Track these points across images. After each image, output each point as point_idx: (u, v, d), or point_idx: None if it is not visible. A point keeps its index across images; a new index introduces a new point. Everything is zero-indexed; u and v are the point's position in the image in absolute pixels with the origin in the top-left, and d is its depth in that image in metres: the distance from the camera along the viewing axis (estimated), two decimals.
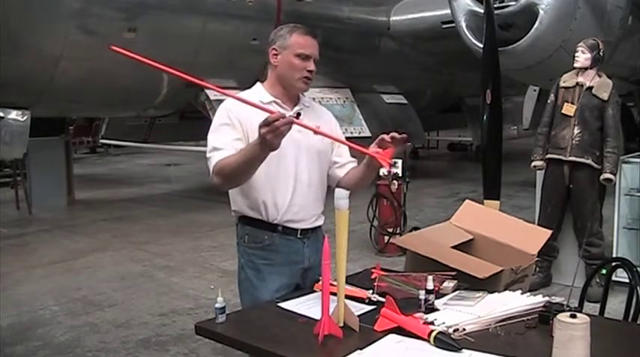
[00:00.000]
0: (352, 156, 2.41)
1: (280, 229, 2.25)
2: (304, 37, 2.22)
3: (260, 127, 1.89)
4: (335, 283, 1.88)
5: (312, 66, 2.22)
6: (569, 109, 4.46)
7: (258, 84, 2.32)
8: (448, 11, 7.38)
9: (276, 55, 2.23)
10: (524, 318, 1.89)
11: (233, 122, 2.17)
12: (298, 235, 2.28)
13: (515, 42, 6.31)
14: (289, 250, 2.28)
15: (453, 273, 2.18)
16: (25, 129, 6.72)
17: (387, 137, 2.06)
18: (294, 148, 2.18)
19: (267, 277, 2.26)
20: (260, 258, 2.28)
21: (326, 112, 2.45)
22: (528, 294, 2.04)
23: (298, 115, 2.24)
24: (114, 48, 2.00)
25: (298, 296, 2.15)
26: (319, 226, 2.35)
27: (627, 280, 2.36)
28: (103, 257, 6.05)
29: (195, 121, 8.85)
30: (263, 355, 1.77)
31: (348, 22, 9.50)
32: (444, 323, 1.80)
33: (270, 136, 1.88)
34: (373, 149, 2.09)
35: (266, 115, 1.93)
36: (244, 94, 2.27)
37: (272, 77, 2.28)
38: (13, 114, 6.62)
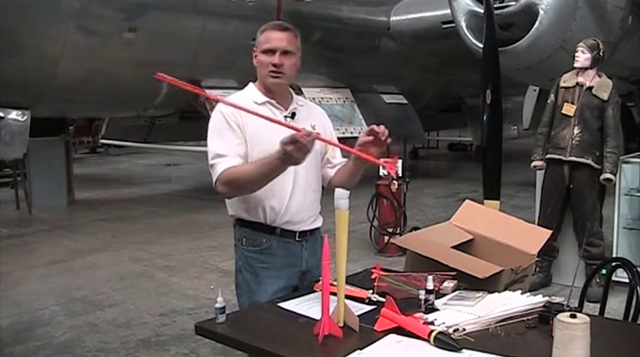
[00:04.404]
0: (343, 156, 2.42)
1: (279, 231, 2.24)
2: (271, 32, 2.21)
3: (285, 143, 1.90)
4: (335, 283, 1.88)
5: (275, 59, 2.18)
6: (569, 109, 4.46)
7: (251, 84, 2.32)
8: (448, 11, 7.38)
9: (255, 55, 2.25)
10: (524, 318, 1.88)
11: (232, 126, 2.16)
12: (297, 238, 2.28)
13: (515, 42, 6.30)
14: (287, 253, 2.27)
15: (453, 273, 2.18)
16: (25, 129, 6.72)
17: (377, 128, 2.06)
18: None
19: (264, 280, 2.25)
20: (258, 261, 2.26)
21: (319, 111, 2.44)
22: (528, 294, 2.03)
23: (293, 115, 2.26)
24: (159, 75, 2.01)
25: (298, 296, 2.14)
26: (317, 228, 2.35)
27: (627, 280, 2.36)
28: (103, 257, 6.05)
29: (195, 121, 8.85)
30: (263, 355, 1.77)
31: (348, 22, 9.49)
32: (444, 323, 1.80)
33: (297, 153, 1.91)
34: (377, 157, 2.11)
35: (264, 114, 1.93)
36: (238, 96, 2.27)
37: (258, 78, 2.29)
38: (13, 114, 6.62)
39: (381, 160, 2.10)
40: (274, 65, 2.18)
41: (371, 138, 2.09)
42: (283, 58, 2.18)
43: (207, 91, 2.16)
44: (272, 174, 2.06)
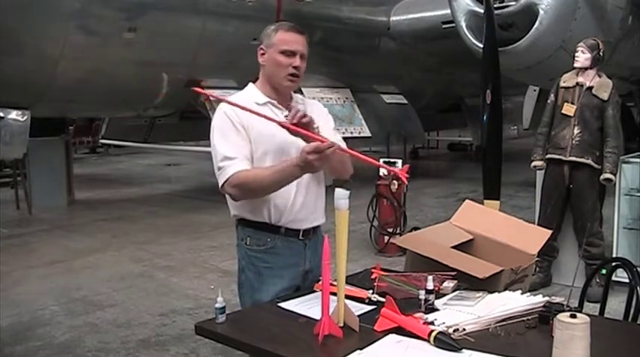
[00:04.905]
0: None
1: (283, 230, 2.25)
2: (288, 34, 2.21)
3: (307, 153, 1.93)
4: (335, 283, 1.88)
5: (297, 62, 2.19)
6: (569, 109, 4.46)
7: (251, 85, 2.32)
8: (448, 11, 7.38)
9: (263, 54, 2.23)
10: (524, 318, 1.88)
11: (237, 127, 2.16)
12: (300, 237, 2.28)
13: (515, 42, 6.30)
14: (291, 252, 2.27)
15: (453, 273, 2.18)
16: (25, 129, 6.72)
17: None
18: (295, 149, 2.17)
19: (267, 280, 2.25)
20: (261, 261, 2.27)
21: (319, 108, 2.43)
22: (528, 294, 2.04)
23: None
24: (195, 89, 2.05)
25: (298, 296, 2.15)
26: (319, 226, 2.35)
27: (627, 280, 2.36)
28: (103, 257, 6.05)
29: (195, 121, 8.86)
30: (263, 355, 1.77)
31: (348, 22, 9.50)
32: (444, 323, 1.80)
33: (319, 163, 1.95)
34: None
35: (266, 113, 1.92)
36: (239, 96, 2.27)
37: (262, 77, 2.28)
38: (13, 114, 6.62)
39: (394, 167, 2.10)
40: (295, 68, 2.19)
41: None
42: (301, 62, 2.20)
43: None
44: (288, 180, 2.09)
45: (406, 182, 2.16)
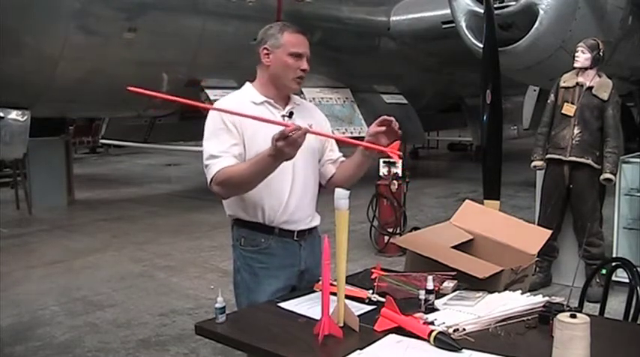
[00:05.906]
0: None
1: (277, 231, 2.24)
2: (296, 36, 2.21)
3: (275, 140, 1.90)
4: (335, 283, 1.88)
5: (305, 65, 2.20)
6: (569, 109, 4.46)
7: (248, 84, 2.31)
8: (448, 11, 7.38)
9: (268, 54, 2.21)
10: (524, 318, 1.88)
11: (228, 126, 2.15)
12: (295, 238, 2.27)
13: (515, 42, 6.30)
14: (285, 253, 2.27)
15: (453, 273, 2.18)
16: (25, 129, 6.72)
17: (388, 118, 2.11)
18: None
19: (263, 280, 2.25)
20: (256, 261, 2.26)
21: (316, 110, 2.44)
22: (528, 294, 2.04)
23: (291, 114, 2.25)
24: (131, 88, 2.01)
25: (298, 296, 2.14)
26: (315, 227, 2.35)
27: (627, 280, 2.36)
28: (103, 257, 6.05)
29: (195, 121, 8.84)
30: (263, 355, 1.77)
31: (348, 22, 9.50)
32: (444, 323, 1.80)
33: (288, 148, 1.90)
34: (371, 138, 2.13)
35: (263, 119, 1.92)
36: (235, 96, 2.27)
37: (263, 77, 2.26)
38: (13, 114, 6.62)
39: (387, 148, 2.11)
40: (303, 70, 2.20)
41: (383, 128, 2.10)
42: (308, 64, 2.22)
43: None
44: (265, 171, 2.05)
45: (398, 159, 2.17)
